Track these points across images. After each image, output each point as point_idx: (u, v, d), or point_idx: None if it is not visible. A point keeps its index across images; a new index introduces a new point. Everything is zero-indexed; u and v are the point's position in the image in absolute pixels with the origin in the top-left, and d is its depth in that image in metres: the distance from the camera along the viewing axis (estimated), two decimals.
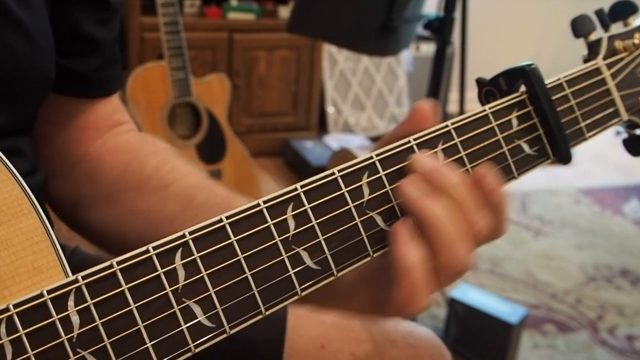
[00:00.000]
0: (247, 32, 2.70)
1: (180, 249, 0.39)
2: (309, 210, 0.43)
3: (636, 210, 2.65)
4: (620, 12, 0.57)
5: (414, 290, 0.42)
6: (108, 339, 0.36)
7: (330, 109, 3.01)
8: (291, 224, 0.42)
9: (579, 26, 0.55)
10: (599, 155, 3.08)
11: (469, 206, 0.44)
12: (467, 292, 1.67)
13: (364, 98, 3.07)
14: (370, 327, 0.65)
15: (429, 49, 3.06)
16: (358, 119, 3.06)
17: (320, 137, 2.91)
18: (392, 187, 0.45)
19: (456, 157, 0.47)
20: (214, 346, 0.39)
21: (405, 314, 0.44)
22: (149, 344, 0.37)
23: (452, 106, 3.16)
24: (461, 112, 1.86)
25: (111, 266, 0.37)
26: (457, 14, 1.62)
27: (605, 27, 0.56)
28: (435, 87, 1.63)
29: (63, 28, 0.57)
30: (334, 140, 2.83)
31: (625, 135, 0.58)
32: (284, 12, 2.75)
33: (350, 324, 0.65)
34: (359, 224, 0.44)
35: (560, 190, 2.78)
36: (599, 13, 0.56)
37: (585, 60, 0.56)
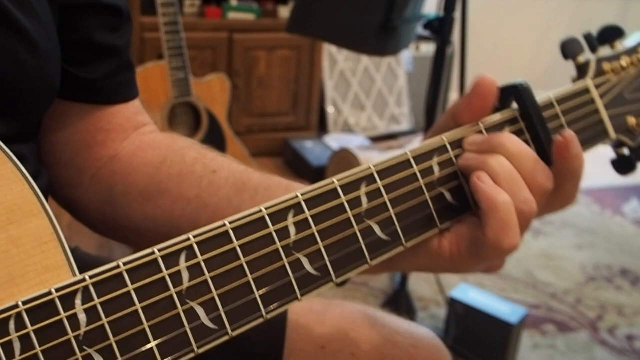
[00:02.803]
0: (247, 32, 2.70)
1: (185, 252, 0.40)
2: (310, 218, 0.43)
3: (636, 210, 2.65)
4: (608, 36, 0.59)
5: (505, 223, 0.45)
6: (114, 338, 0.37)
7: (330, 109, 3.01)
8: (292, 230, 0.43)
9: (568, 48, 0.57)
10: (599, 155, 3.07)
11: (526, 158, 0.47)
12: (467, 292, 1.67)
13: (364, 98, 3.07)
14: (370, 327, 0.65)
15: (429, 49, 3.06)
16: (358, 119, 3.06)
17: (320, 137, 2.91)
18: (389, 197, 0.46)
19: (451, 170, 0.49)
20: (214, 346, 0.40)
21: (500, 252, 0.46)
22: (153, 344, 0.38)
23: None
24: None
25: (118, 266, 0.38)
26: (457, 14, 1.62)
27: (593, 50, 0.58)
28: (435, 87, 1.63)
29: (75, 37, 0.57)
30: (334, 140, 2.83)
31: (614, 157, 0.60)
32: (284, 12, 2.75)
33: (351, 324, 0.65)
34: (358, 233, 0.45)
35: None
36: (587, 37, 0.58)
37: (575, 81, 0.57)
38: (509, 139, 0.48)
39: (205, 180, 0.58)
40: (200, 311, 0.39)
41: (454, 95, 3.05)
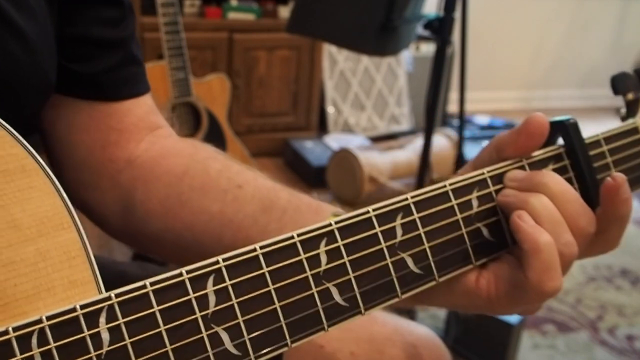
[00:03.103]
0: (247, 32, 2.70)
1: (213, 275, 0.39)
2: (342, 247, 0.43)
3: (636, 210, 2.65)
4: None
5: (547, 265, 0.44)
6: (135, 359, 0.36)
7: (330, 109, 3.01)
8: (323, 259, 0.42)
9: (619, 84, 0.56)
10: None
11: (569, 200, 0.46)
12: None
13: (364, 98, 3.07)
14: (369, 326, 0.65)
15: (429, 49, 3.06)
16: (358, 119, 3.06)
17: (320, 137, 2.91)
18: (425, 230, 0.45)
19: (490, 204, 0.48)
20: None
21: (542, 295, 0.44)
22: None
23: (452, 106, 3.16)
24: (461, 112, 1.86)
25: (144, 286, 0.37)
26: (457, 14, 1.62)
27: None
28: (435, 87, 1.63)
29: (74, 32, 0.57)
30: (334, 140, 2.83)
31: None
32: (284, 12, 2.75)
33: (350, 323, 0.65)
34: (390, 265, 0.44)
35: None
36: (639, 72, 0.56)
37: (623, 118, 0.56)
38: (552, 178, 0.46)
39: (230, 195, 0.56)
40: (225, 336, 0.39)
41: (454, 95, 3.05)
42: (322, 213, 0.54)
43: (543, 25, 3.80)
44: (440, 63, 1.61)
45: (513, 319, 1.58)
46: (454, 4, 1.56)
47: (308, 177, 2.64)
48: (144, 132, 0.62)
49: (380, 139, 2.89)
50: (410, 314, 1.77)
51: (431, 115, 1.67)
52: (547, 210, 0.45)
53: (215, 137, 2.19)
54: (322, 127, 3.02)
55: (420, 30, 1.75)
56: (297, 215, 0.54)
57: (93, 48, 0.58)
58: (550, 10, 3.77)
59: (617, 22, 3.95)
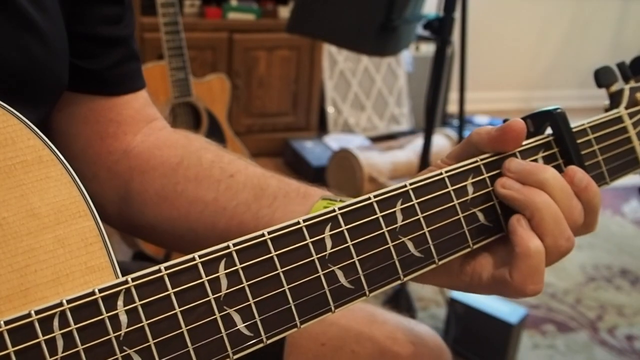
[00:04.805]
0: (247, 32, 2.70)
1: (224, 259, 0.41)
2: (346, 232, 0.44)
3: (636, 210, 2.65)
4: None
5: (533, 270, 0.46)
6: (153, 340, 0.38)
7: (330, 109, 3.01)
8: (328, 243, 0.44)
9: (602, 77, 0.58)
10: None
11: (566, 196, 0.48)
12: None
13: (364, 98, 3.07)
14: (370, 324, 0.65)
15: (429, 49, 3.07)
16: (358, 119, 3.06)
17: (320, 137, 2.91)
18: (423, 215, 0.47)
19: (485, 191, 0.49)
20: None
21: (522, 294, 0.47)
22: (190, 348, 0.39)
23: (452, 106, 3.17)
24: (461, 112, 1.86)
25: (159, 270, 0.39)
26: (457, 14, 1.62)
27: (626, 80, 0.59)
28: (435, 87, 1.63)
29: (80, 29, 0.58)
30: (334, 141, 2.83)
31: None
32: (284, 12, 2.75)
33: (351, 321, 0.65)
34: (392, 248, 0.46)
35: None
36: (621, 66, 0.59)
37: (607, 109, 0.58)
38: (552, 175, 0.48)
39: (223, 184, 0.59)
40: (237, 318, 0.40)
41: (454, 95, 3.05)
42: (310, 198, 0.56)
43: (543, 25, 3.80)
44: (440, 63, 1.62)
45: (513, 318, 1.58)
46: (454, 4, 1.56)
47: (308, 177, 2.65)
48: (140, 124, 0.64)
49: (380, 139, 2.89)
50: (410, 315, 1.77)
51: (431, 115, 1.67)
52: (551, 208, 0.47)
53: (215, 137, 2.18)
54: (322, 127, 3.02)
55: (420, 30, 1.75)
56: (287, 200, 0.57)
57: (99, 45, 0.60)
58: (550, 10, 3.77)
59: (617, 22, 3.95)
